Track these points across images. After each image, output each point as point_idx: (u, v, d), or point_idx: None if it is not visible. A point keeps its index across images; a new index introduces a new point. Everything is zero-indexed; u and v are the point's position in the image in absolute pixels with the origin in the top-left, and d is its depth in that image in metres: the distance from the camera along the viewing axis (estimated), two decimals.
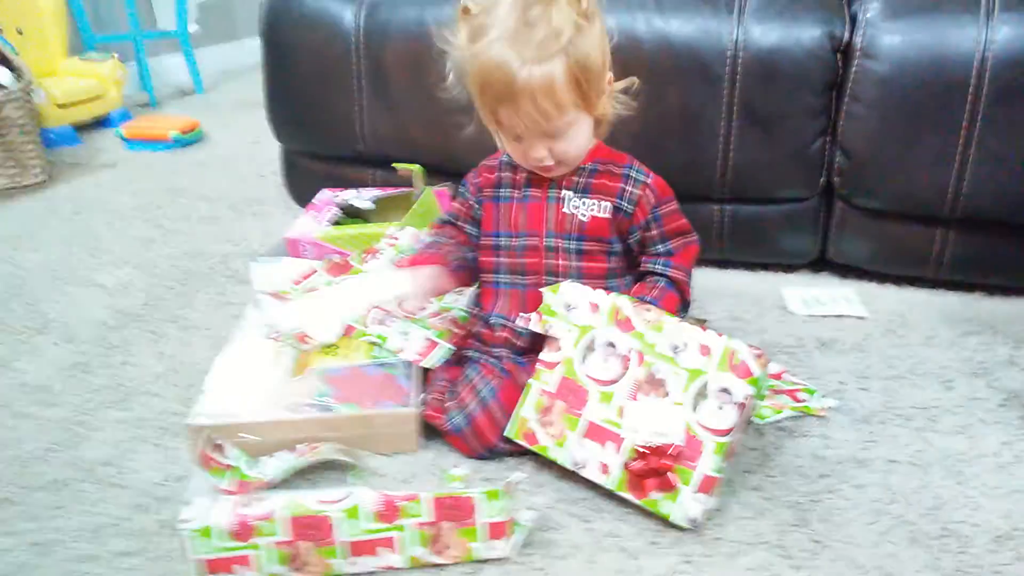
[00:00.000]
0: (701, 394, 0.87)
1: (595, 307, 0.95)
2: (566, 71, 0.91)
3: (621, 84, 1.03)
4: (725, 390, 0.87)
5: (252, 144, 2.39)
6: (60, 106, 2.38)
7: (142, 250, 1.62)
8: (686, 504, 0.85)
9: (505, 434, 0.96)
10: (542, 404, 0.95)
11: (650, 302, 0.97)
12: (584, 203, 1.02)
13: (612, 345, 0.93)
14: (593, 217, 1.02)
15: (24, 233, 1.72)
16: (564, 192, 1.03)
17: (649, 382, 0.90)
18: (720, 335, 0.89)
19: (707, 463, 0.85)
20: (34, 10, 2.46)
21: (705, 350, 0.89)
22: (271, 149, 2.30)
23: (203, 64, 3.29)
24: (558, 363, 0.95)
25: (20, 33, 2.44)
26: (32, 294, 1.44)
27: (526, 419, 0.95)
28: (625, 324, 0.93)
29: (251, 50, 3.71)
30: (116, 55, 2.63)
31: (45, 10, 2.49)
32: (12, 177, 2.00)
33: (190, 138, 2.40)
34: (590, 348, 0.94)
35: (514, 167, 1.06)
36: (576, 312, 0.96)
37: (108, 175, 2.12)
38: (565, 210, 1.03)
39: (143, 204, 1.89)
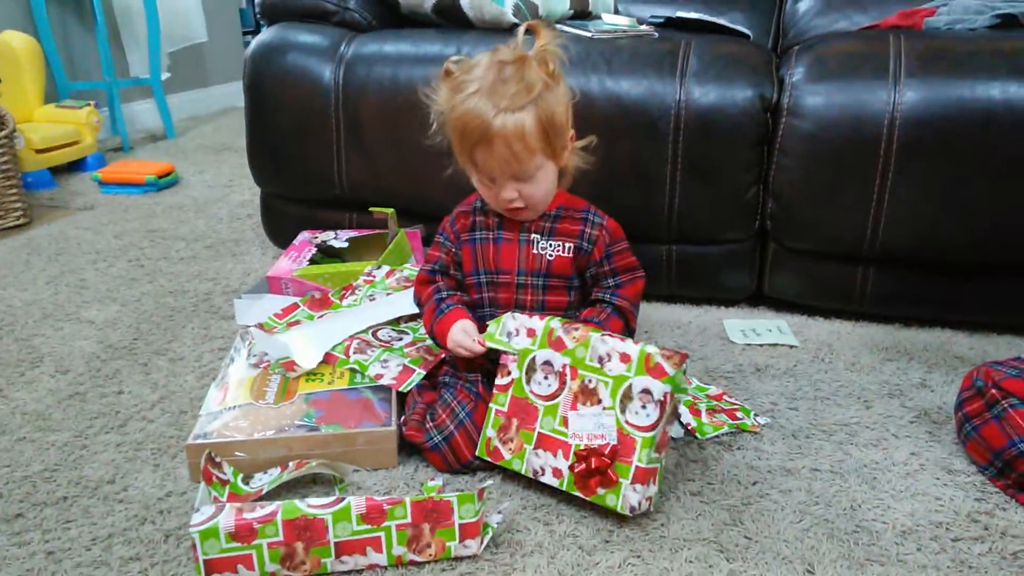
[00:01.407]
0: (627, 396, 0.99)
1: (532, 332, 1.07)
2: (535, 120, 1.03)
3: (582, 142, 1.15)
4: (646, 391, 0.98)
5: (225, 187, 2.49)
6: (38, 151, 2.46)
7: (126, 288, 1.70)
8: (627, 495, 0.97)
9: (476, 454, 1.07)
10: (499, 423, 1.06)
11: (597, 323, 1.10)
12: (551, 244, 1.14)
13: (549, 364, 1.05)
14: (558, 256, 1.14)
15: (9, 273, 1.79)
16: (533, 235, 1.15)
17: (583, 392, 1.02)
18: (636, 343, 1.00)
19: (638, 457, 0.97)
20: (11, 58, 2.55)
21: (625, 358, 1.00)
22: (244, 192, 2.42)
23: (174, 110, 3.39)
24: (508, 385, 1.07)
25: None
26: (23, 330, 1.51)
27: (491, 438, 1.06)
28: (558, 343, 1.05)
29: (219, 96, 3.86)
30: (92, 102, 2.72)
31: (22, 58, 2.57)
32: None
33: (165, 182, 2.49)
34: (532, 368, 1.06)
35: (486, 212, 1.18)
36: (517, 339, 1.08)
37: (87, 217, 2.20)
38: (535, 251, 1.15)
39: (124, 245, 1.97)
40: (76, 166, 2.68)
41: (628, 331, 1.14)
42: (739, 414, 1.21)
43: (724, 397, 1.26)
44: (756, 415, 1.22)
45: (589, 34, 1.62)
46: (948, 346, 1.45)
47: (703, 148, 1.46)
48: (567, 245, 1.14)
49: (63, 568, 0.92)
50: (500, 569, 0.92)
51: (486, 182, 1.09)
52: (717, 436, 1.16)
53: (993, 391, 1.07)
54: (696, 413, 1.19)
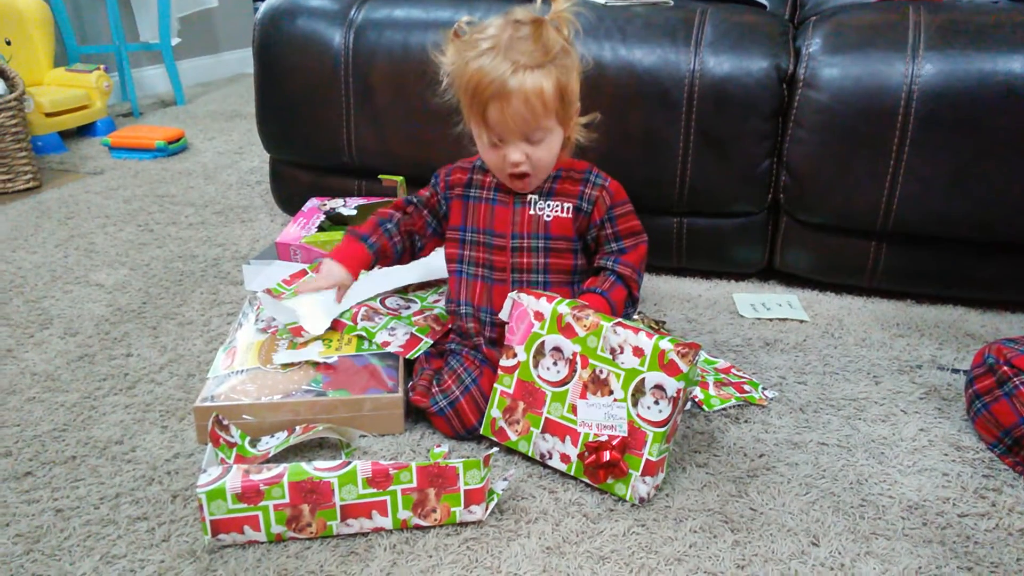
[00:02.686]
0: (639, 391, 0.97)
1: (540, 316, 1.04)
2: (553, 81, 1.02)
3: (585, 118, 1.13)
4: (659, 387, 0.96)
5: (235, 153, 2.48)
6: (47, 115, 2.46)
7: (136, 252, 1.71)
8: (636, 486, 0.96)
9: (480, 432, 1.07)
10: (505, 404, 1.05)
11: (600, 293, 1.08)
12: (548, 205, 1.12)
13: (559, 350, 1.02)
14: (556, 217, 1.12)
15: (19, 236, 1.80)
16: (530, 196, 1.13)
17: (594, 382, 1.00)
18: (651, 336, 0.96)
19: (649, 451, 0.96)
20: (21, 22, 2.54)
21: (638, 352, 0.97)
22: (253, 159, 2.41)
23: (183, 76, 3.37)
24: (515, 368, 1.05)
25: (8, 44, 2.51)
26: (33, 292, 1.52)
27: (496, 418, 1.06)
28: (568, 331, 1.02)
29: (230, 62, 3.84)
30: (102, 66, 2.70)
31: (32, 22, 2.57)
32: (4, 183, 2.07)
33: (175, 147, 2.48)
34: (540, 353, 1.04)
35: (485, 172, 1.16)
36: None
37: (96, 181, 2.20)
38: (531, 212, 1.12)
39: (133, 209, 1.97)
40: (86, 130, 2.68)
41: (632, 300, 1.13)
42: (747, 387, 1.21)
43: (732, 370, 1.26)
44: (764, 388, 1.21)
45: (603, 1, 1.60)
46: (960, 323, 1.44)
47: (717, 119, 1.44)
48: (566, 205, 1.11)
49: (71, 526, 0.93)
50: (504, 535, 0.92)
51: (495, 141, 1.06)
52: (724, 409, 1.16)
53: (1005, 368, 1.06)
54: (704, 386, 1.18)
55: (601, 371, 0.99)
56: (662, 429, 0.96)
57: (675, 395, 0.95)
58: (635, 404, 0.97)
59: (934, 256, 1.47)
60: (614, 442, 0.97)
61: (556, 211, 1.12)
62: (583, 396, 1.00)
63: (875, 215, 1.43)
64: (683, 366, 0.94)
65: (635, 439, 0.97)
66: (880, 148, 1.38)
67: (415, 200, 1.20)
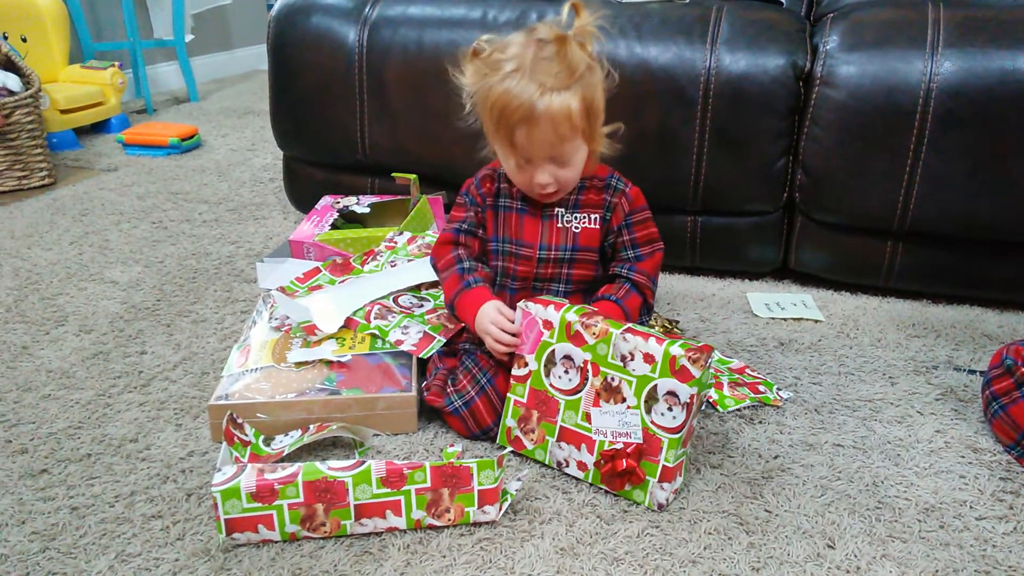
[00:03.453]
0: (652, 397, 0.96)
1: (548, 324, 1.03)
2: (580, 101, 1.00)
3: (608, 128, 1.10)
4: (672, 393, 0.95)
5: (248, 151, 2.49)
6: (62, 112, 2.47)
7: (150, 250, 1.71)
8: (654, 493, 0.96)
9: (496, 443, 1.06)
10: (519, 413, 1.05)
11: (615, 301, 1.08)
12: (575, 217, 1.12)
13: (570, 358, 1.01)
14: (584, 228, 1.12)
15: (35, 233, 1.81)
16: (557, 209, 1.13)
17: (607, 389, 0.99)
18: (661, 342, 0.95)
19: (665, 457, 0.95)
20: (37, 19, 2.55)
21: (649, 359, 0.95)
22: (267, 156, 2.42)
23: (197, 72, 3.38)
24: (526, 377, 1.05)
25: (24, 41, 2.53)
26: (48, 289, 1.53)
27: (511, 428, 1.06)
28: (577, 339, 1.01)
29: (244, 59, 3.85)
30: (117, 63, 2.72)
31: (48, 19, 2.57)
32: (19, 179, 2.09)
33: (189, 144, 2.49)
34: (551, 361, 1.03)
35: (510, 180, 1.16)
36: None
37: (111, 179, 2.21)
38: (559, 225, 1.12)
39: (147, 207, 1.98)
40: (100, 127, 2.69)
41: (646, 307, 1.13)
42: (761, 388, 1.20)
43: (747, 370, 1.25)
44: (779, 389, 1.21)
45: None
46: (976, 324, 1.42)
47: (732, 117, 1.43)
48: (593, 216, 1.12)
49: (87, 523, 0.93)
50: (518, 535, 0.92)
51: (521, 164, 1.05)
52: (739, 409, 1.15)
53: (1023, 369, 1.05)
54: (718, 386, 1.18)
55: (613, 379, 0.98)
56: (677, 435, 0.95)
57: (688, 401, 0.94)
58: (648, 411, 0.96)
59: (951, 256, 1.46)
60: (629, 449, 0.96)
61: (584, 222, 1.12)
62: (596, 404, 0.99)
63: (891, 214, 1.41)
64: (695, 372, 0.93)
65: (651, 445, 0.96)
66: (897, 147, 1.37)
67: (463, 228, 1.16)
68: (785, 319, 1.43)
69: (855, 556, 0.89)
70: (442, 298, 1.31)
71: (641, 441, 0.96)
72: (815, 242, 1.52)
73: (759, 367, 1.27)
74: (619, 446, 0.97)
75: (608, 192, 1.13)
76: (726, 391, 1.17)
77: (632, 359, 0.97)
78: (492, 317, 1.06)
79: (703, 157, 1.46)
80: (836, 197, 1.45)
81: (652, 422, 0.96)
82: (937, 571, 0.88)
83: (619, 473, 0.96)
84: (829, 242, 1.51)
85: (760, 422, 1.13)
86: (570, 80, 0.99)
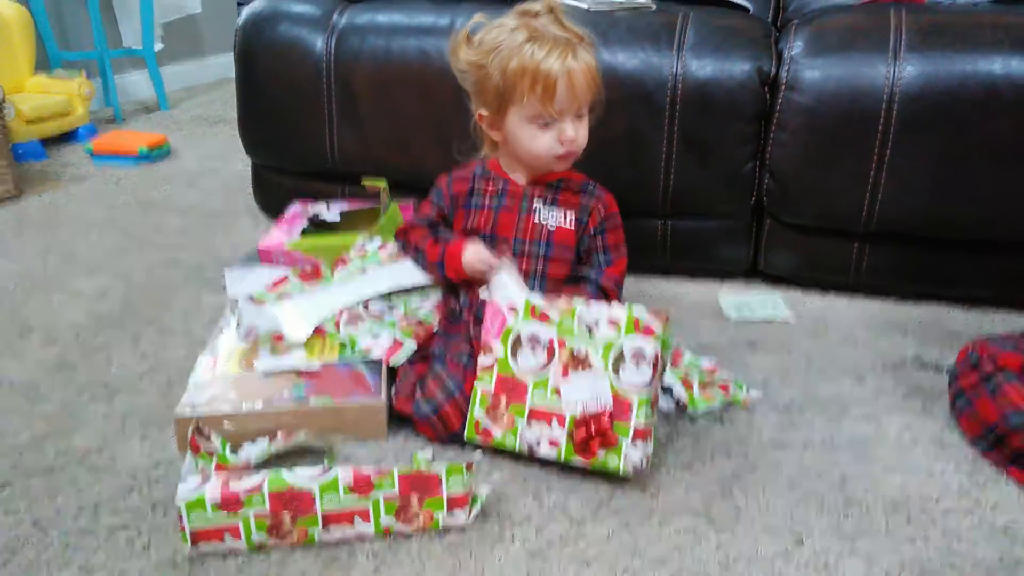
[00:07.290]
0: (619, 359, 1.00)
1: (512, 310, 1.06)
2: (592, 57, 1.10)
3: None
4: (638, 351, 0.99)
5: (218, 159, 2.46)
6: (28, 122, 2.43)
7: (117, 259, 1.69)
8: (628, 454, 0.98)
9: (465, 439, 1.06)
10: (487, 402, 1.05)
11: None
12: (552, 214, 1.16)
13: (535, 338, 1.04)
14: (560, 228, 1.15)
15: None
16: (536, 203, 1.15)
17: (573, 360, 1.02)
18: (623, 308, 1.02)
19: (636, 415, 0.98)
20: (2, 28, 2.51)
21: (613, 323, 1.01)
22: (236, 164, 2.40)
23: (167, 81, 3.35)
24: (492, 366, 1.06)
25: None
26: (11, 300, 1.50)
27: (479, 420, 1.06)
28: (542, 317, 1.04)
29: (214, 68, 3.82)
30: (83, 72, 2.68)
31: (12, 28, 2.54)
32: None
33: (158, 153, 2.46)
34: (517, 344, 1.05)
35: (487, 179, 1.17)
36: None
37: (78, 188, 2.18)
38: (536, 220, 1.15)
39: (114, 216, 1.96)
40: (67, 137, 2.64)
41: None
42: (732, 388, 1.21)
43: (717, 371, 1.26)
44: (749, 389, 1.21)
45: (585, 6, 1.60)
46: (943, 321, 1.44)
47: (700, 122, 1.44)
48: (570, 217, 1.15)
49: (49, 537, 0.91)
50: (488, 540, 0.91)
51: (540, 126, 1.10)
52: (709, 409, 1.16)
53: (988, 365, 1.07)
54: (688, 386, 1.18)
55: (579, 350, 1.02)
56: (646, 390, 0.98)
57: (654, 360, 0.98)
58: (616, 372, 1.00)
59: (917, 255, 1.48)
60: (602, 413, 0.99)
61: (560, 221, 1.15)
62: (565, 375, 1.02)
63: (858, 216, 1.43)
64: (657, 328, 0.98)
65: (621, 408, 0.99)
66: (862, 150, 1.39)
67: (427, 222, 1.25)
68: (755, 320, 1.44)
69: (823, 552, 0.90)
70: (412, 303, 1.31)
71: (611, 407, 0.99)
72: (784, 244, 1.54)
73: (730, 367, 1.28)
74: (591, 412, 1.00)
75: (585, 196, 1.17)
76: (696, 391, 1.18)
77: (598, 326, 1.01)
78: (472, 252, 1.15)
79: (672, 162, 1.47)
80: (803, 199, 1.47)
81: (622, 383, 0.99)
82: (904, 565, 0.88)
83: (593, 435, 0.97)
84: (797, 244, 1.52)
85: (730, 422, 1.14)
86: (580, 41, 1.09)
